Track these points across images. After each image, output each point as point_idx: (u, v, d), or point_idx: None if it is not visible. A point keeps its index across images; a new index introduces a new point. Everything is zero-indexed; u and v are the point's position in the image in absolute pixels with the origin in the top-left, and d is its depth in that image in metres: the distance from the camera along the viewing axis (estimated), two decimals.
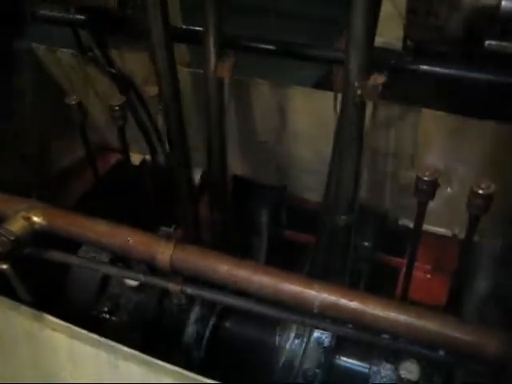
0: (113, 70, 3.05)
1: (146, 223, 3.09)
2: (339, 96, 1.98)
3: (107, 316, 2.46)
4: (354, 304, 1.44)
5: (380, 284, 3.00)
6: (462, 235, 2.82)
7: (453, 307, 2.34)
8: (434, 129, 2.60)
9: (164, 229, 1.63)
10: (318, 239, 2.63)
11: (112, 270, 1.83)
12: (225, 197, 2.66)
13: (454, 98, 2.66)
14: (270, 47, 2.57)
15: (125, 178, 2.92)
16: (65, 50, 3.12)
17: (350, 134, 1.91)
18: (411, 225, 3.04)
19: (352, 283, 2.56)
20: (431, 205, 2.23)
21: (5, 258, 1.64)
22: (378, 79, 1.77)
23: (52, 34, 3.15)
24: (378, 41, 2.63)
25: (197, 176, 3.28)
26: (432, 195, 1.85)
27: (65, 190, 3.50)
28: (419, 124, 2.63)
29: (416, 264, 3.03)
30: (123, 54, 3.00)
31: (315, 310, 1.47)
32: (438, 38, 2.33)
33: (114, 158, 3.71)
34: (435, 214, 2.89)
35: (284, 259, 3.27)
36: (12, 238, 1.65)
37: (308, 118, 2.83)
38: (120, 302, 2.40)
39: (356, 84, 1.76)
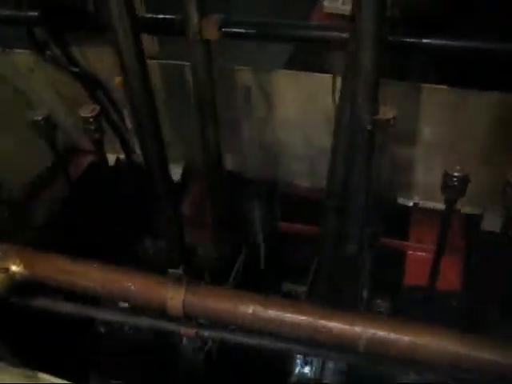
0: (75, 69, 2.76)
1: (127, 226, 2.94)
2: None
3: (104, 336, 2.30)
4: (406, 339, 1.22)
5: (385, 269, 2.81)
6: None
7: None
8: (434, 104, 2.40)
9: (172, 271, 1.37)
10: (323, 233, 2.41)
11: (114, 316, 1.57)
12: (221, 192, 2.47)
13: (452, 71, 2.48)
14: (248, 31, 2.32)
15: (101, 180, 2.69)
16: (20, 50, 2.80)
17: (359, 161, 1.71)
18: (410, 203, 2.93)
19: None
20: (435, 181, 2.08)
21: None
22: (388, 112, 1.55)
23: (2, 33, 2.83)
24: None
25: (176, 173, 3.08)
26: (462, 192, 1.65)
27: (38, 199, 3.28)
28: (418, 100, 2.41)
29: (423, 246, 2.90)
30: (85, 51, 2.73)
31: (361, 349, 1.26)
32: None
33: (83, 159, 3.49)
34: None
35: (281, 252, 3.11)
36: None
37: (295, 103, 2.64)
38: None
39: (366, 119, 1.54)
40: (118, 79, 1.88)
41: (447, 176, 1.66)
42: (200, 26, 1.87)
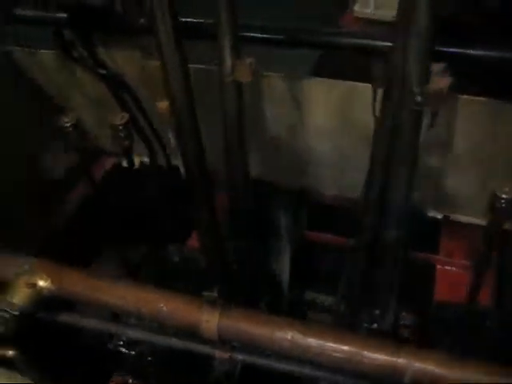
0: (102, 71, 2.71)
1: (152, 231, 2.90)
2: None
3: (124, 349, 2.23)
4: (456, 375, 1.15)
5: (414, 284, 2.74)
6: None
7: None
8: (470, 115, 2.30)
9: (206, 294, 1.30)
10: (356, 245, 2.34)
11: (144, 335, 1.51)
12: (247, 201, 2.37)
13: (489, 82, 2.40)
14: (276, 37, 2.27)
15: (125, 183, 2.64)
16: (47, 51, 2.76)
17: (404, 143, 1.61)
18: (441, 216, 2.86)
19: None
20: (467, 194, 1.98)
21: (10, 340, 1.32)
22: (442, 82, 1.46)
23: (29, 34, 2.79)
24: (390, 15, 2.31)
25: None
26: (511, 214, 1.57)
27: (62, 201, 3.27)
28: (454, 110, 2.32)
29: (453, 260, 2.82)
30: (112, 53, 2.67)
31: (406, 382, 1.18)
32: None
33: (104, 160, 3.50)
34: (471, 202, 2.66)
35: (308, 262, 3.05)
36: (16, 313, 1.33)
37: (326, 111, 2.55)
38: None
39: (415, 90, 1.44)
40: (163, 105, 1.83)
41: (495, 197, 1.58)
42: (233, 67, 1.83)
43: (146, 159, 3.21)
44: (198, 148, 2.07)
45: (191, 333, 1.35)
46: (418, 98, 1.45)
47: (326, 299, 3.10)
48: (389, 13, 3.31)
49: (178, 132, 1.99)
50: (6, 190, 2.73)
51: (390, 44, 1.74)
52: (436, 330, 2.51)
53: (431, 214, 2.89)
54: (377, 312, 2.23)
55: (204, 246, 2.37)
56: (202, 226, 2.29)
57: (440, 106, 1.46)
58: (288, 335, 1.24)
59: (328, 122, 2.59)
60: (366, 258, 2.23)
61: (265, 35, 2.29)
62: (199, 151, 2.08)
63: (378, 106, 1.81)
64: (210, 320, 1.29)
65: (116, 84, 2.80)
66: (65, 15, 2.43)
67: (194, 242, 2.87)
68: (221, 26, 1.75)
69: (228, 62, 1.82)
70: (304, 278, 3.03)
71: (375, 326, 2.20)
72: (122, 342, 2.20)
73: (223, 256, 2.47)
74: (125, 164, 2.71)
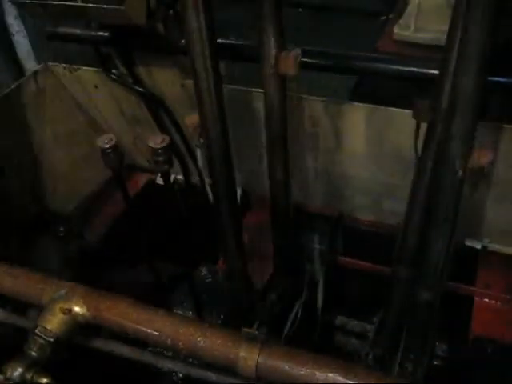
0: (140, 88, 2.72)
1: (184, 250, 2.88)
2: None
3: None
4: None
5: (449, 317, 2.66)
6: None
7: None
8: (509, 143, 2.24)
9: (246, 330, 1.27)
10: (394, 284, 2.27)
11: (179, 367, 1.48)
12: (288, 225, 2.38)
13: None
14: (322, 62, 2.25)
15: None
16: (86, 68, 2.78)
17: (445, 208, 1.58)
18: (479, 246, 2.78)
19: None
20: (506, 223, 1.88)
21: (43, 367, 1.30)
22: (484, 156, 1.42)
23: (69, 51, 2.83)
24: (424, 37, 2.26)
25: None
26: None
27: (95, 215, 3.28)
28: (495, 139, 2.27)
29: (491, 292, 2.74)
30: (151, 71, 2.67)
31: None
32: None
33: (137, 176, 3.50)
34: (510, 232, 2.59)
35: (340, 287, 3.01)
36: (51, 340, 1.31)
37: (364, 136, 2.51)
38: None
39: (457, 164, 1.42)
40: (191, 119, 1.81)
41: None
42: (277, 59, 1.76)
43: (180, 177, 3.21)
44: (228, 169, 2.04)
45: (228, 368, 1.32)
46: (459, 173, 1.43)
47: (356, 325, 3.06)
48: (428, 36, 3.27)
49: (208, 152, 1.96)
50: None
51: (434, 72, 1.71)
52: (471, 365, 2.44)
53: (469, 243, 2.82)
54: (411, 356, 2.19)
55: (229, 270, 2.36)
56: (226, 250, 2.28)
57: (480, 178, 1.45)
58: (329, 377, 1.20)
59: (366, 148, 2.55)
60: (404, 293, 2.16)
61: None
62: (228, 173, 2.05)
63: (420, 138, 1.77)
64: (248, 357, 1.25)
65: (154, 102, 2.80)
66: (106, 34, 2.44)
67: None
68: (264, 13, 1.66)
69: (271, 52, 1.73)
70: (336, 303, 2.98)
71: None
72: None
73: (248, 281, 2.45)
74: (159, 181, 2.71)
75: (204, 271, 2.81)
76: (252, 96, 2.48)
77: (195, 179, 3.13)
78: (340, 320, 3.08)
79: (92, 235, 3.19)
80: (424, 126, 1.67)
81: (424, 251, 1.76)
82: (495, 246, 2.77)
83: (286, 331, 2.59)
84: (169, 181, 2.09)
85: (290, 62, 1.74)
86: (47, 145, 2.90)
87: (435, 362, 2.57)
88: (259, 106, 2.23)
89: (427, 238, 1.72)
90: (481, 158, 1.46)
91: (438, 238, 1.67)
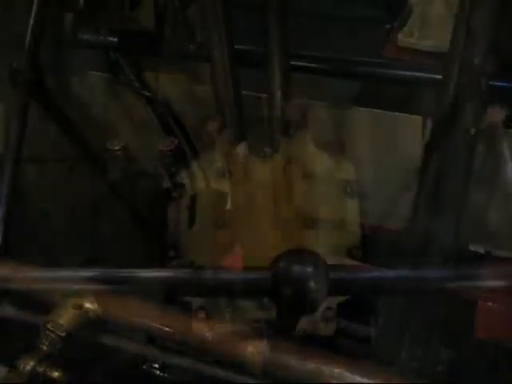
0: (147, 94, 2.75)
1: None
2: None
3: (159, 372, 2.21)
4: None
5: (452, 324, 2.67)
6: None
7: None
8: None
9: (254, 325, 1.29)
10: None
11: (187, 362, 1.49)
12: None
13: None
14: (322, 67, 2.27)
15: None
16: (94, 72, 2.81)
17: (454, 176, 1.59)
18: (483, 251, 2.79)
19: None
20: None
21: (54, 360, 1.33)
22: (496, 115, 1.44)
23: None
24: (434, 45, 2.31)
25: None
26: None
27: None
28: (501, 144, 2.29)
29: (494, 296, 2.74)
30: (159, 77, 2.71)
31: None
32: None
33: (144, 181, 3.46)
34: None
35: None
36: (63, 334, 1.34)
37: (370, 142, 2.51)
38: None
39: (469, 123, 1.43)
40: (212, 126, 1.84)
41: None
42: (283, 106, 1.84)
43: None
44: None
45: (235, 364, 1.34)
46: (472, 131, 1.44)
47: (357, 328, 3.06)
48: (433, 43, 3.29)
49: None
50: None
51: (439, 76, 1.73)
52: (475, 369, 2.45)
53: (473, 248, 2.83)
54: (418, 352, 2.18)
55: None
56: None
57: (494, 138, 1.45)
58: (335, 373, 1.22)
59: (371, 153, 2.57)
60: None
61: (311, 64, 2.29)
62: None
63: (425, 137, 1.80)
64: (255, 353, 1.27)
65: (161, 107, 2.83)
66: (115, 39, 2.48)
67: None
68: (271, 65, 1.74)
69: (277, 99, 1.84)
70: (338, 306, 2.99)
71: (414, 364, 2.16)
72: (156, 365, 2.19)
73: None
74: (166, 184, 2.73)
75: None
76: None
77: None
78: (341, 323, 3.08)
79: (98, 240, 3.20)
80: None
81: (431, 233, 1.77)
82: (499, 251, 2.78)
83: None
84: (176, 183, 2.11)
85: (295, 110, 1.85)
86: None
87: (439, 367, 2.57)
88: None
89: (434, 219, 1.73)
90: (493, 115, 1.46)
91: (445, 219, 1.67)
